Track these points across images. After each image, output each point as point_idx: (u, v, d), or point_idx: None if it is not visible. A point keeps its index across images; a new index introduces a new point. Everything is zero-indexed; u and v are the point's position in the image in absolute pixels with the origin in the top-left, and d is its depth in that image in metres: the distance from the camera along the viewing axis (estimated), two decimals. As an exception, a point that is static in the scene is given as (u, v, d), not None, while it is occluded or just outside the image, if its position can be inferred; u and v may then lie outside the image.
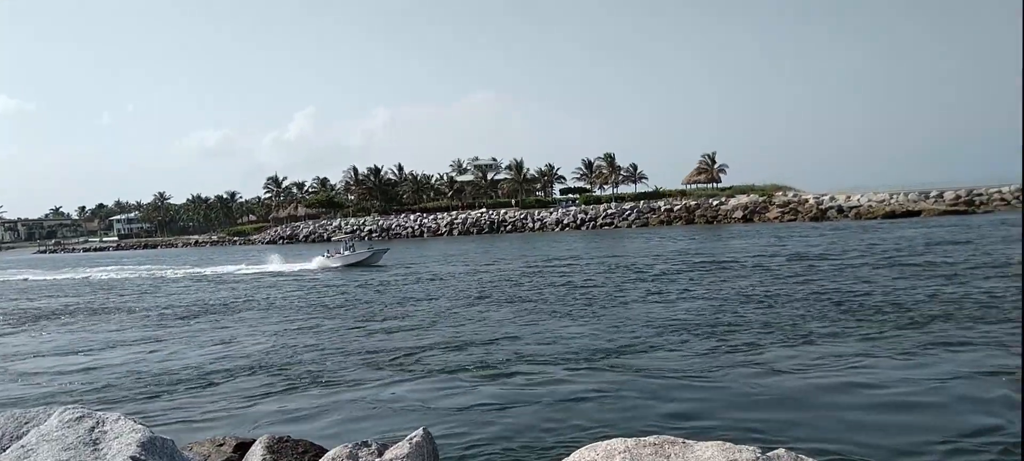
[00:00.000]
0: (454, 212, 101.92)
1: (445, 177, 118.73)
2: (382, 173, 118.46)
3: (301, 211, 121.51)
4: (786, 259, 32.14)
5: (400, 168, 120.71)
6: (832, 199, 73.10)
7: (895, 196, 70.18)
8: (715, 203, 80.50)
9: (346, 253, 45.82)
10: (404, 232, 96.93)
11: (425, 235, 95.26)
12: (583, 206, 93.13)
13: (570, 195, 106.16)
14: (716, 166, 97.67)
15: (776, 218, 71.88)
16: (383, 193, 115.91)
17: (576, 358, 13.70)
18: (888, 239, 40.65)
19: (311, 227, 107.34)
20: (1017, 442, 7.95)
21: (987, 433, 8.33)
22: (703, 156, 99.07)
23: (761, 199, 78.06)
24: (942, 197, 67.75)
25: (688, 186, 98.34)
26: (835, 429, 8.82)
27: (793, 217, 70.96)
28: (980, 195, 67.04)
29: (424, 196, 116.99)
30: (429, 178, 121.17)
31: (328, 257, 46.20)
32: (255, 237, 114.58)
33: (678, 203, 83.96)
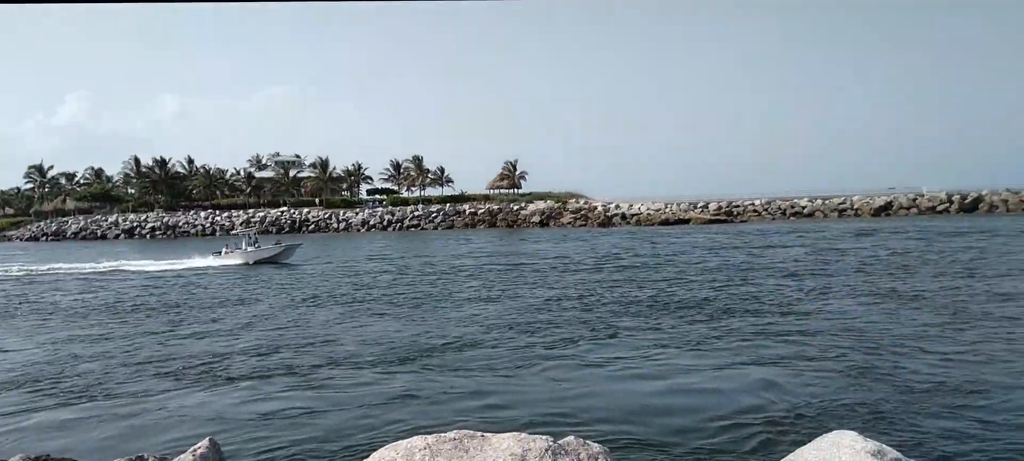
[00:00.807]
0: (252, 210, 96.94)
1: (243, 173, 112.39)
2: (169, 165, 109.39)
3: (70, 204, 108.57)
4: (594, 261, 34.77)
5: (190, 161, 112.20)
6: (617, 207, 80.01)
7: (669, 206, 78.51)
8: (516, 208, 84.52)
9: (249, 249, 41.95)
10: (193, 230, 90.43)
11: (218, 233, 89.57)
12: (390, 207, 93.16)
13: (377, 196, 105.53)
14: (518, 173, 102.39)
15: (569, 223, 77.14)
16: (170, 187, 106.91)
17: (391, 358, 13.91)
18: (675, 244, 45.50)
19: (82, 222, 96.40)
20: (775, 419, 9.50)
21: (754, 411, 9.89)
22: (506, 163, 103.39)
23: (557, 205, 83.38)
24: (707, 207, 76.94)
25: (492, 191, 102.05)
26: (629, 414, 9.92)
27: (584, 223, 76.62)
28: (738, 206, 77.08)
29: (218, 192, 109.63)
30: (223, 173, 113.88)
31: (226, 253, 42.14)
32: (12, 233, 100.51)
33: (482, 207, 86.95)
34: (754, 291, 22.32)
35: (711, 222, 70.78)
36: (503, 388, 11.56)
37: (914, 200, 73.90)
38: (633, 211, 77.53)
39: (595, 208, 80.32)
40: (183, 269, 38.89)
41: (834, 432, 5.46)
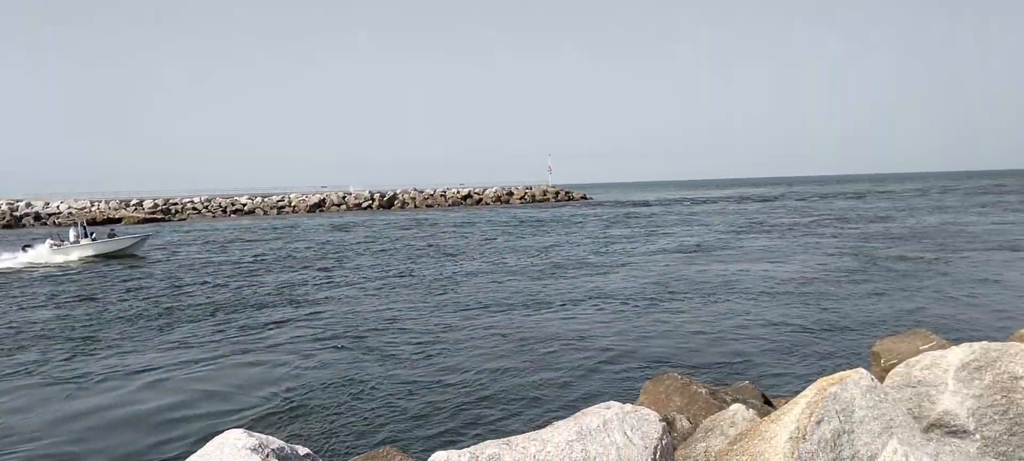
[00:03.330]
0: None
1: None
2: None
3: None
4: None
5: None
6: (29, 205, 67.54)
7: (97, 204, 70.06)
8: None
9: (85, 242, 34.43)
10: None
11: None
12: None
13: None
14: None
15: (-44, 226, 61.63)
16: None
17: None
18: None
19: None
20: (258, 416, 9.67)
21: (232, 414, 9.94)
22: None
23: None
24: (142, 205, 71.42)
25: None
26: (94, 437, 9.36)
27: (-21, 226, 62.29)
28: (176, 204, 73.72)
29: None
30: None
31: (53, 247, 33.53)
32: None
33: None
34: (260, 287, 22.53)
35: (146, 221, 65.77)
36: None
37: (343, 198, 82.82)
38: (50, 210, 66.52)
39: (-5, 206, 66.11)
40: None
41: (223, 433, 5.97)
